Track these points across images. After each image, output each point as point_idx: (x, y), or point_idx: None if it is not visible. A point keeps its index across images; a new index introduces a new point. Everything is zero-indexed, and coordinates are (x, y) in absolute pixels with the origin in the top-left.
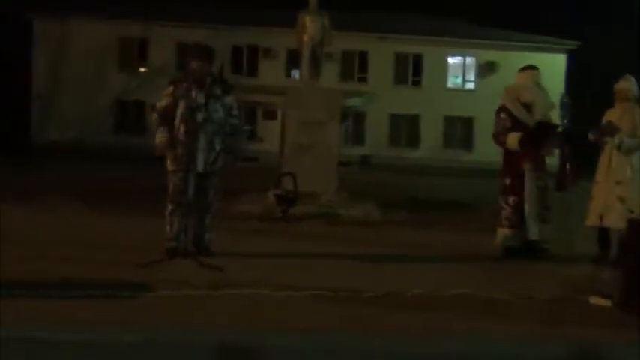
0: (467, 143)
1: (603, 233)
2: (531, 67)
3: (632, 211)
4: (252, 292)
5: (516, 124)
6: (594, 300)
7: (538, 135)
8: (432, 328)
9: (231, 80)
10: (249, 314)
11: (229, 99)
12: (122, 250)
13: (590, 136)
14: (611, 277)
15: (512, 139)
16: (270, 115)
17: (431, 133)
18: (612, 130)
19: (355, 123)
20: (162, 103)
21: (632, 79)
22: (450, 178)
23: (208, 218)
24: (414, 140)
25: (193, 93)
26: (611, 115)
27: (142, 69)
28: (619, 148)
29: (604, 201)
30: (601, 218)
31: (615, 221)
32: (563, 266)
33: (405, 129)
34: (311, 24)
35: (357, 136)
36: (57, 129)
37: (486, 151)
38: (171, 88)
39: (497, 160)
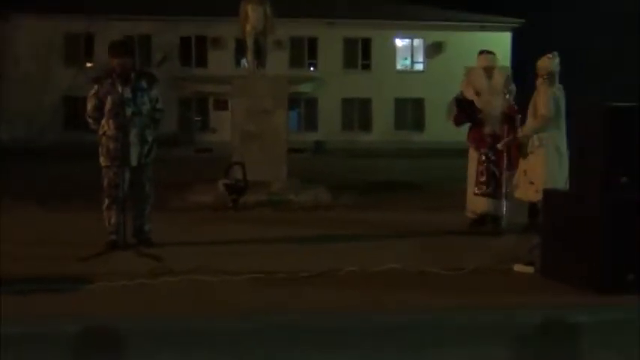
0: (418, 124)
1: (532, 204)
2: (482, 52)
3: (532, 182)
4: (190, 278)
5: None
6: (518, 268)
7: (460, 112)
8: (362, 304)
9: (180, 72)
10: (185, 300)
11: (155, 92)
12: (65, 245)
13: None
14: (534, 245)
15: (451, 117)
16: (221, 105)
17: (382, 116)
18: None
19: (307, 109)
20: (90, 105)
21: (548, 57)
22: (402, 159)
23: (146, 209)
24: (366, 124)
25: (120, 88)
26: None
27: (89, 64)
28: (526, 139)
29: (516, 175)
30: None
31: (521, 193)
32: (499, 238)
33: (357, 113)
34: (253, 13)
35: (310, 122)
36: (4, 128)
37: (437, 131)
38: (95, 87)
39: (448, 139)
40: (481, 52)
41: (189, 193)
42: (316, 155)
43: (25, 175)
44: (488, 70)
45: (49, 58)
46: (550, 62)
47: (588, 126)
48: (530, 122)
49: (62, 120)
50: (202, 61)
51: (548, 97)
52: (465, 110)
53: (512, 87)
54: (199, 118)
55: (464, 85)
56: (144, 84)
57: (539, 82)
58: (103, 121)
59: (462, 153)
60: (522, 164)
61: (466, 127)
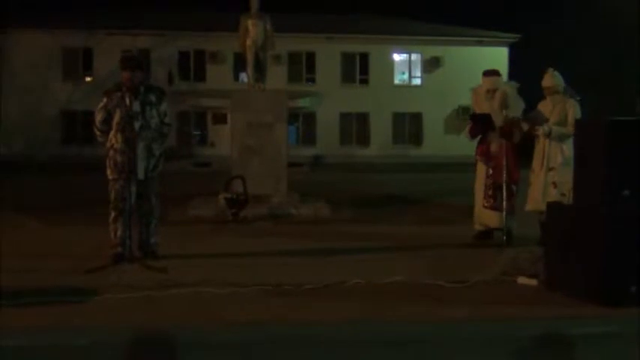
0: (416, 138)
1: None
2: (486, 73)
3: (564, 194)
4: (196, 290)
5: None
6: (522, 280)
7: (475, 125)
8: (368, 315)
9: (179, 87)
10: (192, 312)
11: (163, 106)
12: (69, 258)
13: (524, 125)
14: (537, 258)
15: (466, 132)
16: (220, 119)
17: (380, 130)
18: (541, 119)
19: (305, 123)
20: (98, 117)
21: (556, 73)
22: (401, 173)
23: (152, 222)
24: (364, 138)
25: (128, 101)
26: (543, 107)
27: (88, 78)
28: (549, 135)
29: (541, 187)
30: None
31: None
32: (503, 250)
33: (355, 127)
34: (253, 28)
35: (308, 137)
36: (3, 142)
37: (435, 146)
38: (104, 100)
39: (445, 153)
40: (484, 73)
41: (188, 206)
42: (315, 170)
43: (24, 189)
44: (491, 92)
45: (48, 71)
46: (556, 78)
47: (590, 140)
48: (558, 128)
49: (60, 134)
50: (201, 76)
51: (578, 115)
52: (480, 124)
53: (515, 103)
54: (198, 132)
55: (473, 102)
56: (153, 98)
57: (559, 97)
58: (111, 134)
59: (460, 167)
60: (550, 176)
61: (465, 142)
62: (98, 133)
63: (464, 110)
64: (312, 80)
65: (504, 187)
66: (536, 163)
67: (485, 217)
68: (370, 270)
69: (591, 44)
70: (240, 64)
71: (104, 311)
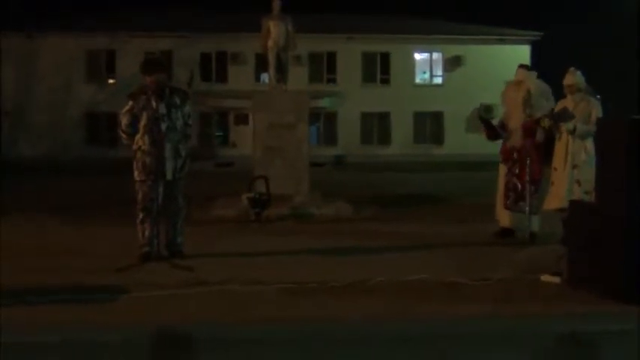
0: (437, 137)
1: None
2: (519, 66)
3: (587, 192)
4: (223, 288)
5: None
6: (545, 278)
7: (488, 130)
8: (391, 312)
9: (201, 87)
10: (218, 309)
11: (187, 108)
12: (96, 257)
13: (547, 122)
14: (560, 256)
15: (483, 134)
16: (242, 120)
17: (402, 130)
18: (568, 116)
19: (327, 123)
20: (124, 120)
21: (578, 72)
22: (422, 172)
23: (179, 222)
24: (385, 137)
25: (154, 104)
26: (564, 105)
27: (111, 80)
28: (573, 132)
29: (566, 185)
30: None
31: None
32: (524, 249)
33: (376, 127)
34: (274, 29)
35: (330, 137)
36: (27, 144)
37: (457, 144)
38: (130, 104)
39: (466, 152)
40: (519, 66)
41: (212, 206)
42: (336, 169)
43: (50, 190)
44: (519, 84)
45: (72, 74)
46: (578, 77)
47: (611, 139)
48: (583, 126)
49: (84, 136)
50: (223, 77)
51: (600, 114)
52: (489, 127)
53: (540, 103)
54: (220, 133)
55: (502, 93)
56: (177, 100)
57: (580, 95)
58: (138, 137)
59: (482, 166)
60: (574, 174)
61: (486, 141)
62: (124, 136)
63: (486, 109)
64: (333, 80)
65: (527, 187)
66: (557, 161)
67: (502, 216)
68: (393, 268)
69: (614, 41)
70: (261, 65)
71: (132, 309)
